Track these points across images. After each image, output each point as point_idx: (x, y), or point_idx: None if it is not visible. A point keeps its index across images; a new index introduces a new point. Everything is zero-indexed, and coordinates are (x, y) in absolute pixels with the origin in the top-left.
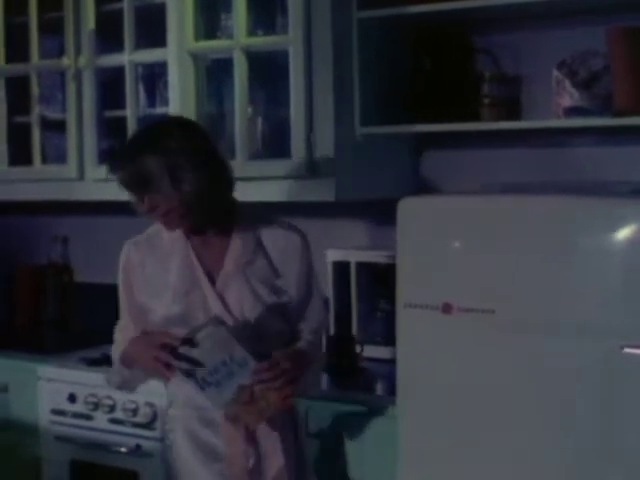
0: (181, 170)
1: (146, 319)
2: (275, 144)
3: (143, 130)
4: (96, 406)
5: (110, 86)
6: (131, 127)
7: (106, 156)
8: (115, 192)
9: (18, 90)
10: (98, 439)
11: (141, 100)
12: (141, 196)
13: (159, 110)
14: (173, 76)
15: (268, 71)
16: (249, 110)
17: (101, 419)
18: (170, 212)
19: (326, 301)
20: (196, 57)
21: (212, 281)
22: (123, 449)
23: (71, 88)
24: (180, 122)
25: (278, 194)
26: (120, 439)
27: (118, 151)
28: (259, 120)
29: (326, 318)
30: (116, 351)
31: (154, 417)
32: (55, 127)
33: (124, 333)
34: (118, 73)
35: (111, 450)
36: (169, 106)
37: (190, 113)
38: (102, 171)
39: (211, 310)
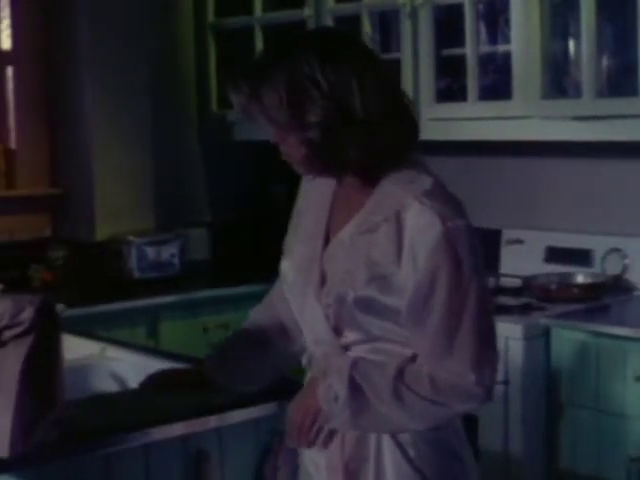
0: (306, 100)
1: None
2: (621, 82)
3: (275, 42)
4: None
5: (447, 24)
6: (471, 65)
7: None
8: (450, 132)
9: (350, 30)
10: None
11: (481, 38)
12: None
13: (500, 48)
14: (517, 13)
15: (616, 7)
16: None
17: None
18: (296, 152)
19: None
20: None
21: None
22: None
23: (406, 26)
24: (328, 34)
25: (626, 133)
26: None
27: (238, 67)
28: (604, 57)
29: (460, 362)
30: None
31: None
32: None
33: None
34: (456, 10)
35: None
36: (511, 44)
37: (534, 51)
38: (439, 110)
39: (309, 277)
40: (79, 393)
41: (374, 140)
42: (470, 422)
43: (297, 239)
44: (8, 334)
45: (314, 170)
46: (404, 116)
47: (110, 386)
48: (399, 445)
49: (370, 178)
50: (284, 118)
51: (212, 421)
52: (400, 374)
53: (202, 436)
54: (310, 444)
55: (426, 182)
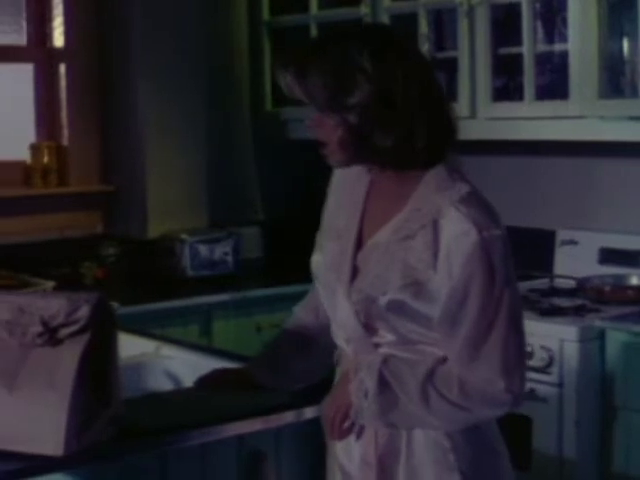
0: (349, 82)
1: None
2: None
3: (331, 34)
4: None
5: (503, 22)
6: (527, 64)
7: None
8: (506, 131)
9: (406, 28)
10: None
11: (538, 37)
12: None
13: (557, 47)
14: (573, 12)
15: None
16: None
17: None
18: (332, 136)
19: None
20: None
21: (360, 244)
22: None
23: (463, 25)
24: (379, 29)
25: None
26: None
27: (290, 49)
28: None
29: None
30: None
31: (550, 362)
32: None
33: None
34: (512, 9)
35: None
36: (568, 43)
37: (591, 50)
38: (495, 109)
39: (339, 275)
40: (134, 391)
41: (410, 131)
42: (524, 424)
43: (328, 236)
44: (63, 332)
45: (346, 157)
46: (442, 115)
47: (165, 384)
48: (433, 438)
49: (405, 177)
50: (325, 97)
51: (270, 421)
52: (430, 376)
53: (259, 436)
54: (342, 438)
55: (463, 189)
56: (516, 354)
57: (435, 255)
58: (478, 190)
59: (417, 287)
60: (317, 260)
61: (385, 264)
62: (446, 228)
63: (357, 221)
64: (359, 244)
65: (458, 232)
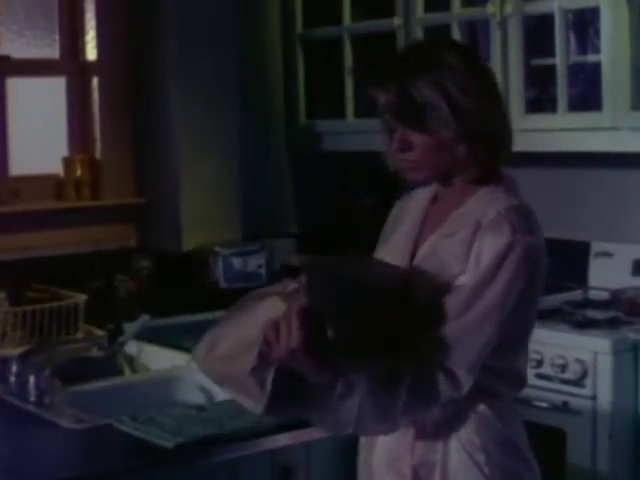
0: (463, 99)
1: None
2: None
3: (414, 47)
4: None
5: (536, 33)
6: (560, 76)
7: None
8: (539, 143)
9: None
10: (524, 394)
11: (571, 48)
12: (397, 128)
13: (590, 58)
14: (605, 23)
15: None
16: None
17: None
18: (424, 156)
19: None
20: (631, 2)
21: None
22: (548, 405)
23: (496, 36)
24: (456, 43)
25: None
26: (546, 395)
27: (383, 68)
28: None
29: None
30: None
31: (584, 374)
32: None
33: None
34: (545, 20)
35: (536, 406)
36: (600, 54)
37: (623, 61)
38: (528, 121)
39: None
40: (165, 404)
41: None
42: (558, 437)
43: (384, 253)
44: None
45: (436, 172)
46: (507, 125)
47: (197, 398)
48: (467, 450)
49: (464, 192)
50: (442, 111)
51: (300, 435)
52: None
53: (290, 450)
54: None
55: (512, 201)
56: (476, 355)
57: (469, 249)
58: (527, 205)
59: (446, 284)
60: None
61: (433, 264)
62: (484, 226)
63: (413, 237)
64: (414, 256)
65: (490, 228)
